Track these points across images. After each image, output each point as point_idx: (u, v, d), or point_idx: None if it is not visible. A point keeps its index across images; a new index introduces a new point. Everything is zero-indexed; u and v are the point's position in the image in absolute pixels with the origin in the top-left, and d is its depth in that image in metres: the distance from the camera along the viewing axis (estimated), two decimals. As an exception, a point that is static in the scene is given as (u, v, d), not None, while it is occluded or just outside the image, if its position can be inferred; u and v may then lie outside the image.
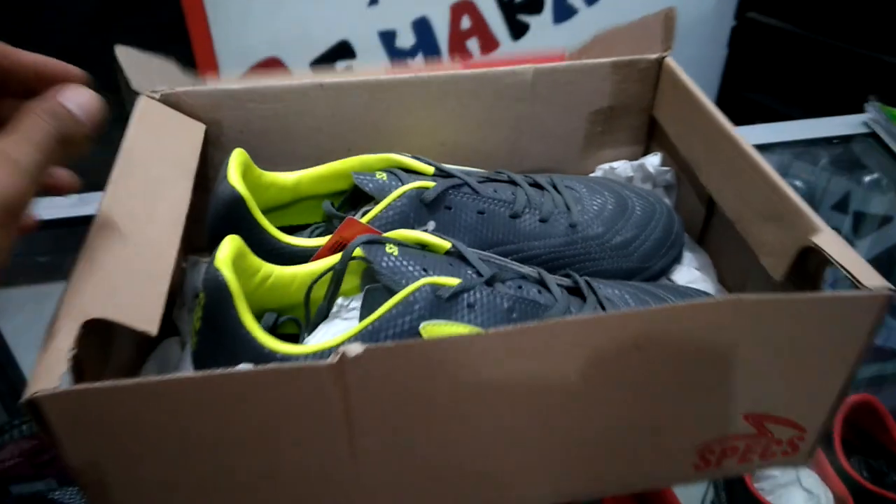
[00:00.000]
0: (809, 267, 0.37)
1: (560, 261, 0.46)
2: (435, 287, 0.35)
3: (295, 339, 0.40)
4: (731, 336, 0.33)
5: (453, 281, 0.36)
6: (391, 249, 0.37)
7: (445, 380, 0.31)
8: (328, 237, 0.42)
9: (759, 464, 0.39)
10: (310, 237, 0.47)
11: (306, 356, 0.34)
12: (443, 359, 0.30)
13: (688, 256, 0.50)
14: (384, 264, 0.36)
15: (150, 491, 0.32)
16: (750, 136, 0.43)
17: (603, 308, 0.40)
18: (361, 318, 0.36)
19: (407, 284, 0.36)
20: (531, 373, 0.32)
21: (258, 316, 0.40)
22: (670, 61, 0.51)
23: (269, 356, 0.34)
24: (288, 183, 0.47)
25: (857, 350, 0.34)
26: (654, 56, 0.52)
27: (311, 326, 0.38)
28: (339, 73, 0.48)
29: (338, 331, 0.37)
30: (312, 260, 0.41)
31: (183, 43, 1.17)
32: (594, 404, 0.34)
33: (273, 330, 0.40)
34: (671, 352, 0.33)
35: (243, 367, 0.30)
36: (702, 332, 0.32)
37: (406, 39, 1.29)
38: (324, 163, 0.50)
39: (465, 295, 0.36)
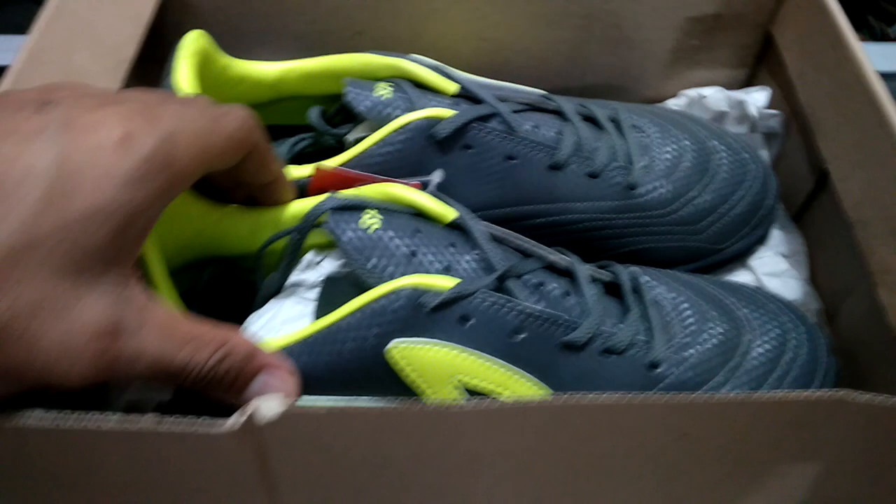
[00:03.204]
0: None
1: (606, 231, 0.35)
2: (419, 292, 0.25)
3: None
4: (817, 435, 0.23)
5: (446, 283, 0.26)
6: (370, 219, 0.27)
7: (399, 452, 0.22)
8: (312, 165, 0.32)
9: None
10: (291, 149, 0.37)
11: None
12: (398, 430, 0.21)
13: (776, 236, 0.38)
14: (351, 240, 0.26)
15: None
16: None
17: (648, 322, 0.29)
18: (318, 314, 0.27)
19: (380, 274, 0.26)
20: (526, 449, 0.23)
21: (200, 264, 0.31)
22: (814, -37, 0.36)
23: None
24: (267, 78, 0.36)
25: None
26: (792, -49, 0.37)
27: (261, 300, 0.29)
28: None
29: (287, 318, 0.27)
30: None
31: None
32: (614, 494, 0.25)
33: (217, 283, 0.31)
34: (727, 443, 0.23)
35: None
36: (780, 427, 0.23)
37: None
38: (323, 46, 0.39)
39: (461, 303, 0.26)
